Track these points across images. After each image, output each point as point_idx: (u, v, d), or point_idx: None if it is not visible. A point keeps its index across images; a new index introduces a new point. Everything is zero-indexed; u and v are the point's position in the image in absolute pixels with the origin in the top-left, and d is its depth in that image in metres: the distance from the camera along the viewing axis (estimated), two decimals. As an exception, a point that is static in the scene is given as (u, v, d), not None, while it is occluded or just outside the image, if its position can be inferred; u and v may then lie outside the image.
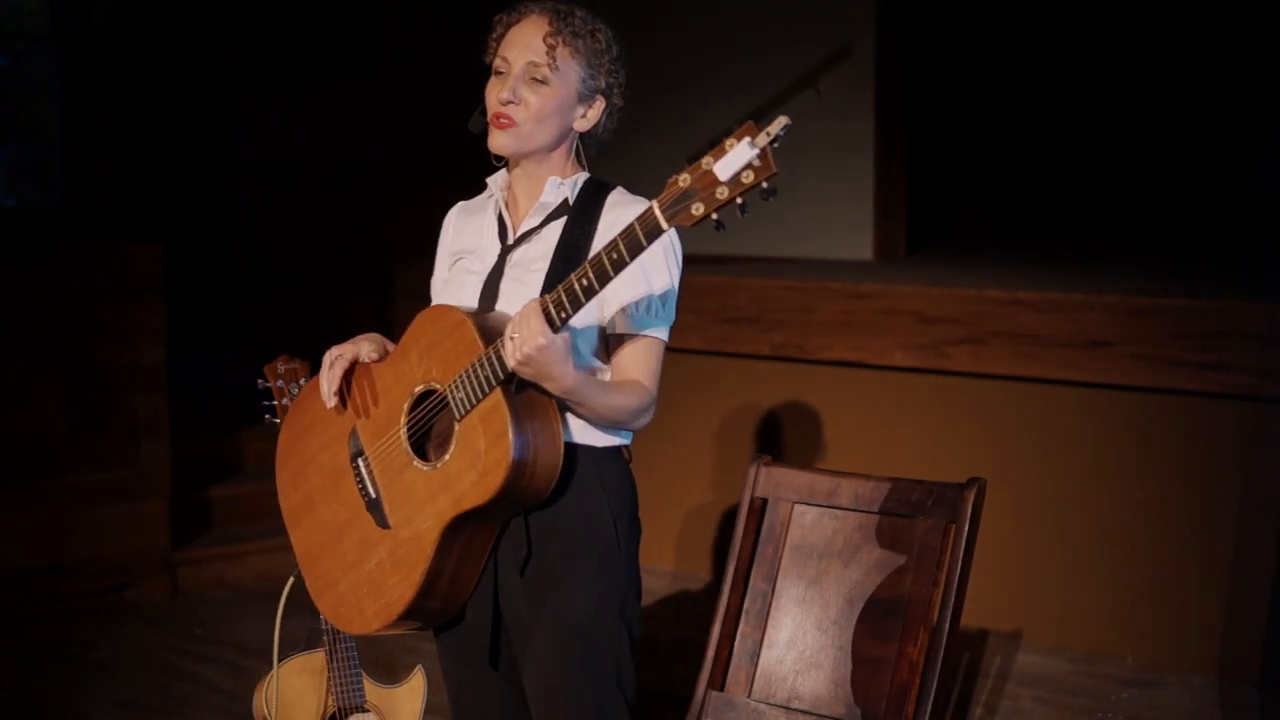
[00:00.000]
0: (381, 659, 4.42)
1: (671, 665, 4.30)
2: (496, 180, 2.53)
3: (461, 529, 2.35)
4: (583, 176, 2.50)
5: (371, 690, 3.19)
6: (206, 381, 6.86)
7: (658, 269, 2.40)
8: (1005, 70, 7.73)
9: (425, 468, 2.37)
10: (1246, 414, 4.45)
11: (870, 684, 2.66)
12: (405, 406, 2.41)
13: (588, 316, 2.37)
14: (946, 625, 2.59)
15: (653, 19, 6.64)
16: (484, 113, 2.46)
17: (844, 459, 5.19)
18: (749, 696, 2.77)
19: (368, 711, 3.18)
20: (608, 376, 2.43)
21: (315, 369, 2.68)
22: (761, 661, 2.79)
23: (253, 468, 6.12)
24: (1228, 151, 7.05)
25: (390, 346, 2.53)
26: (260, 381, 3.02)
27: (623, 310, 2.39)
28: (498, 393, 2.27)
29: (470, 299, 2.46)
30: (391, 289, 6.64)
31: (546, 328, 2.20)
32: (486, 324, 2.34)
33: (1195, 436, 4.58)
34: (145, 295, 5.53)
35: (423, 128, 7.17)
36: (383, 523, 2.43)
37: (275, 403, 3.01)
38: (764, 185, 2.04)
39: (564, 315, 2.21)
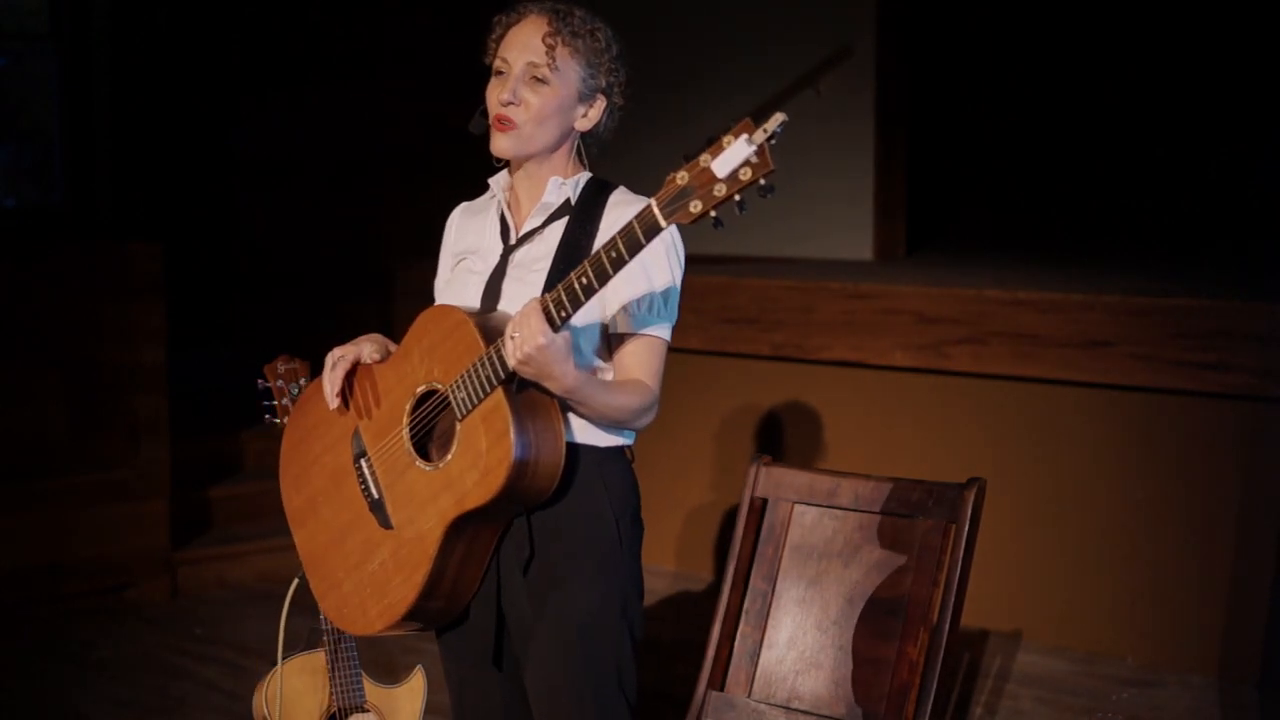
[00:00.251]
0: (381, 659, 4.41)
1: (672, 665, 4.30)
2: (499, 180, 2.53)
3: (464, 529, 2.35)
4: (584, 176, 2.50)
5: (371, 690, 3.19)
6: (206, 381, 6.86)
7: (659, 268, 2.40)
8: (1005, 70, 7.73)
9: (428, 468, 2.37)
10: (1246, 414, 4.45)
11: (870, 684, 2.66)
12: (407, 407, 2.41)
13: (590, 315, 2.37)
14: (946, 625, 2.59)
15: (653, 19, 6.64)
16: (485, 114, 2.46)
17: (844, 459, 5.19)
18: (749, 696, 2.77)
19: (368, 711, 3.18)
20: (610, 376, 2.43)
21: (315, 369, 2.68)
22: (761, 661, 2.79)
23: (253, 468, 6.12)
24: (1228, 151, 7.05)
25: (392, 347, 2.54)
26: (260, 381, 3.02)
27: (625, 309, 2.39)
28: (499, 392, 2.27)
29: (472, 299, 2.46)
30: (391, 289, 6.63)
31: (546, 327, 2.20)
32: (487, 324, 2.34)
33: (1195, 436, 4.58)
34: (145, 295, 5.53)
35: (423, 128, 7.17)
36: (386, 523, 2.44)
37: (275, 403, 3.01)
38: (762, 182, 2.04)
39: (564, 314, 2.21)
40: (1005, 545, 4.76)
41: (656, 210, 2.11)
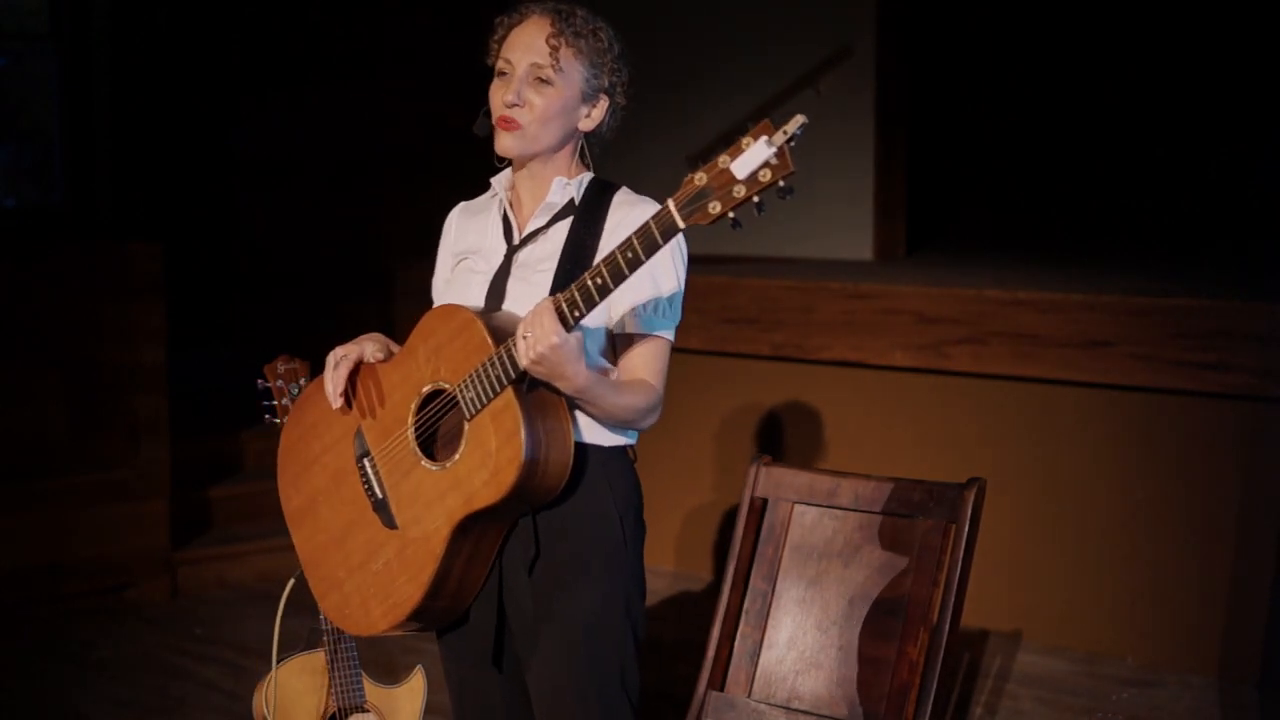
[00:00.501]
0: (381, 659, 4.42)
1: (672, 665, 4.31)
2: (500, 180, 2.53)
3: (471, 528, 2.35)
4: (587, 176, 2.50)
5: (371, 690, 3.19)
6: (206, 381, 6.86)
7: (665, 270, 2.40)
8: (1005, 70, 7.73)
9: (434, 467, 2.36)
10: (1246, 414, 4.45)
11: (870, 684, 2.67)
12: (413, 406, 2.40)
13: (595, 317, 2.37)
14: (946, 625, 2.59)
15: (653, 19, 6.64)
16: (488, 115, 2.46)
17: (844, 459, 5.19)
18: (749, 696, 2.77)
19: (368, 711, 3.18)
20: (614, 376, 2.43)
21: (315, 369, 2.67)
22: (761, 661, 2.79)
23: (253, 468, 6.12)
24: (1228, 151, 7.05)
25: (394, 347, 2.53)
26: (260, 381, 3.02)
27: (630, 311, 2.40)
28: (509, 392, 2.27)
29: (476, 299, 2.46)
30: (391, 289, 6.63)
31: (560, 327, 2.20)
32: (495, 323, 2.34)
33: (1195, 436, 4.58)
34: (145, 295, 5.53)
35: (423, 128, 7.17)
36: (390, 523, 2.43)
37: (275, 403, 3.01)
38: (781, 184, 2.04)
39: (577, 314, 2.21)
40: (1005, 545, 4.76)
41: (674, 211, 2.11)
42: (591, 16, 2.47)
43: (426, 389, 2.39)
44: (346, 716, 3.17)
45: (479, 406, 2.30)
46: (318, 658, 3.17)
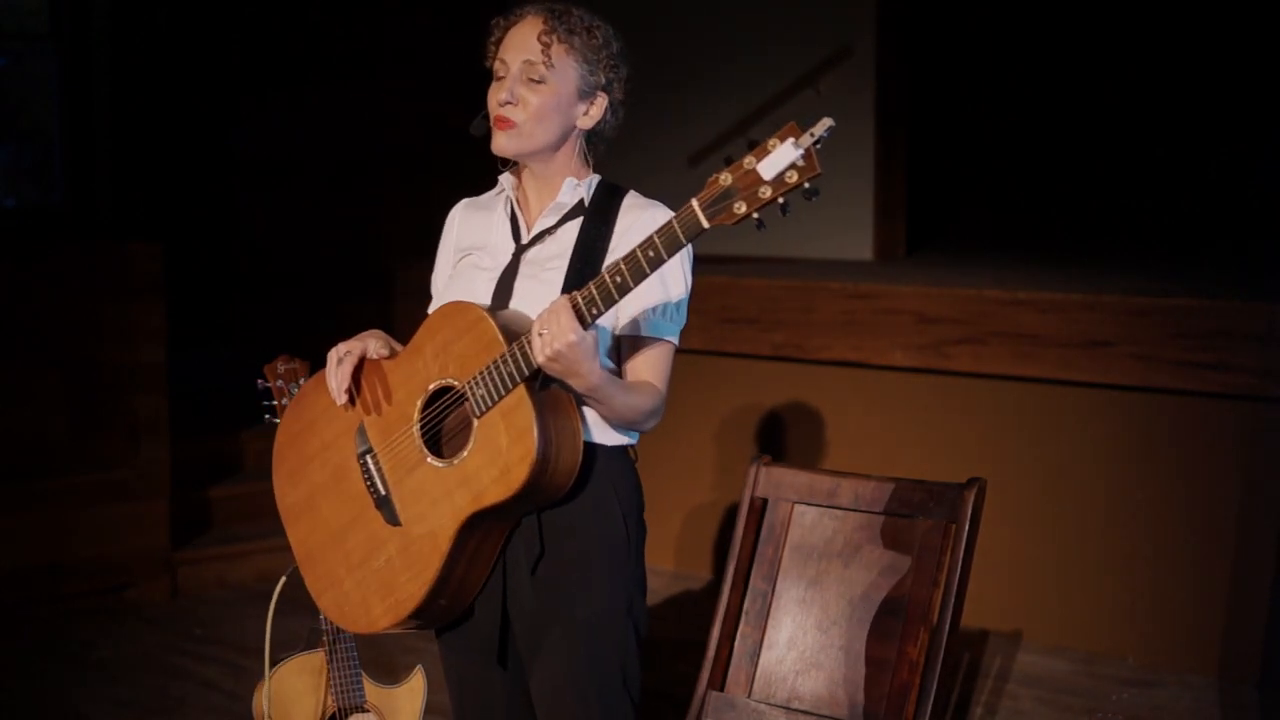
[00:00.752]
0: (381, 659, 4.41)
1: (672, 665, 4.31)
2: (508, 178, 2.53)
3: (477, 526, 2.34)
4: (595, 178, 2.50)
5: (371, 690, 3.19)
6: (206, 381, 6.86)
7: (674, 275, 2.41)
8: (1005, 70, 7.73)
9: (440, 464, 2.36)
10: (1246, 414, 4.45)
11: (870, 684, 2.67)
12: (419, 403, 2.40)
13: (603, 318, 2.37)
14: (946, 625, 2.59)
15: (653, 19, 6.64)
16: (486, 116, 2.46)
17: (844, 459, 5.19)
18: (749, 696, 2.77)
19: (367, 711, 3.18)
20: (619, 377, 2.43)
21: (315, 369, 2.67)
22: (761, 661, 2.79)
23: (253, 468, 6.12)
24: (1228, 151, 7.05)
25: (395, 344, 2.52)
26: (260, 381, 3.02)
27: (638, 314, 2.40)
28: (521, 389, 2.27)
29: (482, 296, 2.45)
30: (391, 289, 6.63)
31: (577, 324, 2.20)
32: (506, 321, 2.33)
33: (1195, 436, 4.58)
34: (145, 295, 5.53)
35: (423, 128, 7.17)
36: (392, 520, 2.43)
37: (275, 403, 3.01)
38: (807, 185, 2.05)
39: (595, 312, 2.21)
40: (1005, 545, 4.76)
41: (698, 210, 2.10)
42: (588, 15, 2.46)
43: (433, 386, 2.38)
44: (346, 716, 3.17)
45: (489, 404, 2.29)
46: (317, 658, 3.17)
